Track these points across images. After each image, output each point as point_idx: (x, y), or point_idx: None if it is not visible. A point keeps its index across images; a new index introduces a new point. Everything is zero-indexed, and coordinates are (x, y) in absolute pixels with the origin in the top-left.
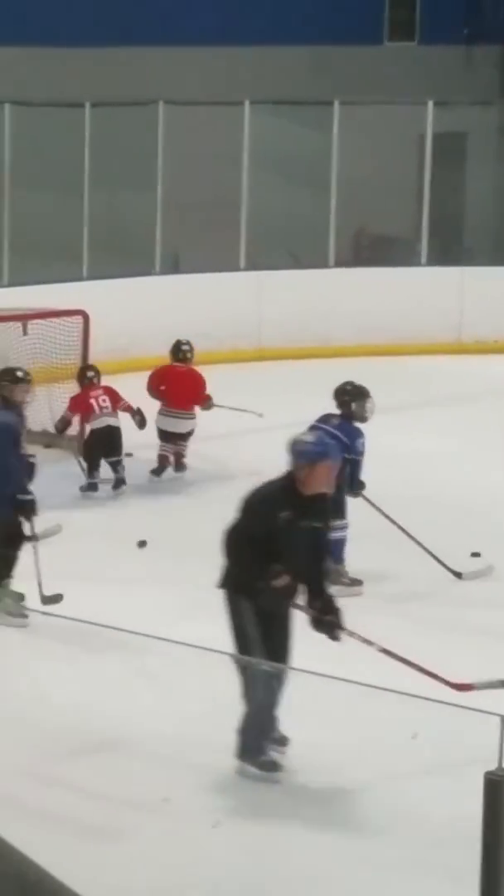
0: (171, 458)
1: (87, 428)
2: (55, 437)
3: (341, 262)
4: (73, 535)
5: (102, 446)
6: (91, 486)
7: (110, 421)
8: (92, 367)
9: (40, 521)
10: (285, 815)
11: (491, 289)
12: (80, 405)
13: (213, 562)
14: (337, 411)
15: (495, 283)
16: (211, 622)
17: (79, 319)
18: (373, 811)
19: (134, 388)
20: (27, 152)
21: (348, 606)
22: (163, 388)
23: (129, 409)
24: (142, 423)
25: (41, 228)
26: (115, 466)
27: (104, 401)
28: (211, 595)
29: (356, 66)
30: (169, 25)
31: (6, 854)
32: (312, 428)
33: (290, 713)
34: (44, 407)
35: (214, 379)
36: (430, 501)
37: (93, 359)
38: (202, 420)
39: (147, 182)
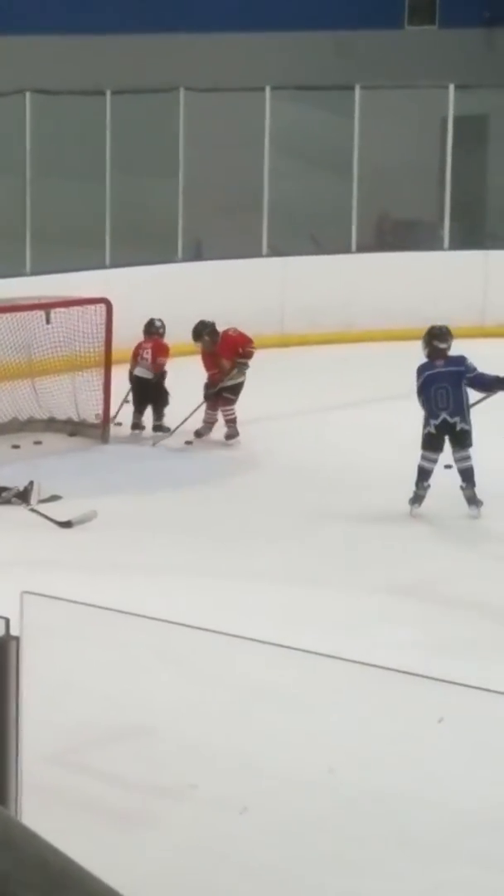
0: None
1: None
2: (79, 426)
3: (364, 247)
4: (101, 524)
5: (136, 392)
6: (153, 428)
7: (138, 372)
8: (158, 320)
9: (74, 508)
10: (313, 800)
11: None
12: (134, 352)
13: (239, 549)
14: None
15: None
16: (238, 608)
17: (102, 307)
18: (401, 797)
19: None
20: (48, 141)
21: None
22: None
23: (158, 368)
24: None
25: (63, 217)
26: (152, 413)
27: (147, 353)
28: (237, 582)
29: (377, 51)
30: (189, 12)
31: (29, 842)
32: (427, 374)
33: (314, 698)
34: (68, 396)
35: None
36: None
37: (116, 346)
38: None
39: (169, 169)
